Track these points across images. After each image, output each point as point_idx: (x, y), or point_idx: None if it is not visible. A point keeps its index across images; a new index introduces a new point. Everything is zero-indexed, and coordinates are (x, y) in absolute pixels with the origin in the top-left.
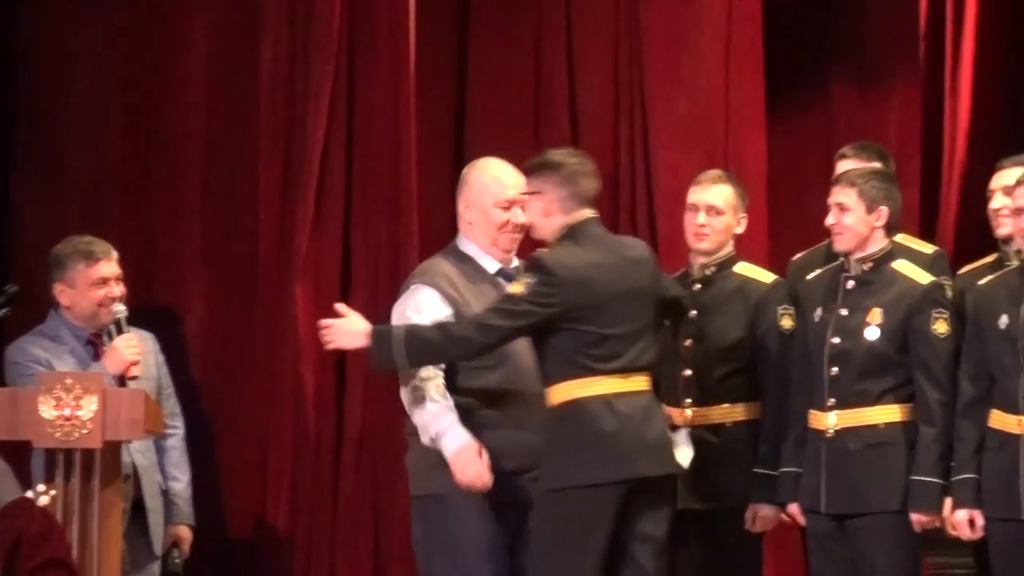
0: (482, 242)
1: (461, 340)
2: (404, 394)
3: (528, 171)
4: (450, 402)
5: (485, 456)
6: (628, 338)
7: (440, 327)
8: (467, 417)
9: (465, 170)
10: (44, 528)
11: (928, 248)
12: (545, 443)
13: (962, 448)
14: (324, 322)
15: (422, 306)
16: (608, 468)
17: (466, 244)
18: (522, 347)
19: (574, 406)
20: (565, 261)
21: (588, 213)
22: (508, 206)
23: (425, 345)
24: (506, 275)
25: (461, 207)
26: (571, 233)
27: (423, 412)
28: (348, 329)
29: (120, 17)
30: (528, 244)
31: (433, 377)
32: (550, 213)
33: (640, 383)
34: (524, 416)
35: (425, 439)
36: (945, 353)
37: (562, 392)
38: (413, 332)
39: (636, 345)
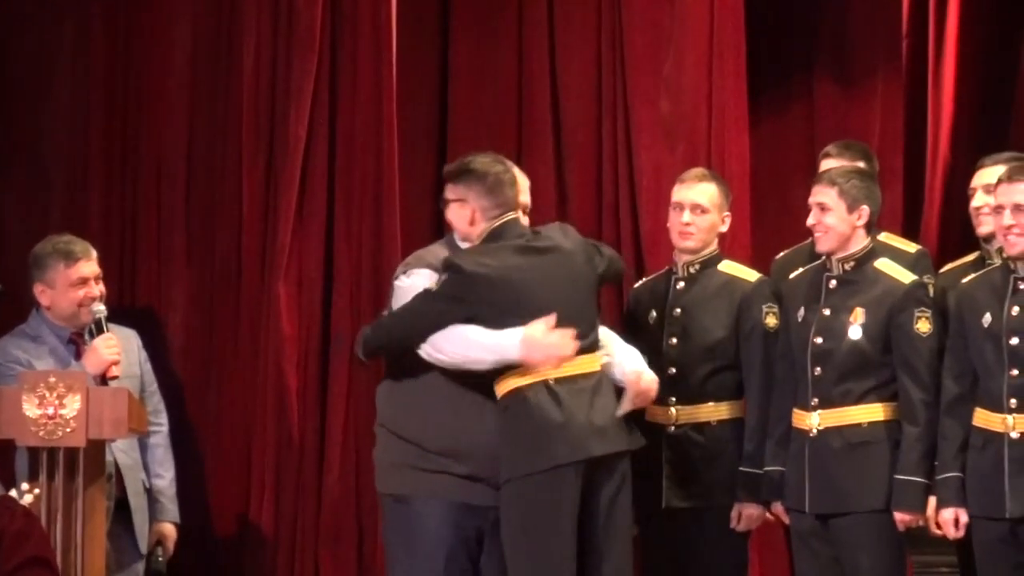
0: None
1: (382, 334)
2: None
3: (451, 176)
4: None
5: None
6: (560, 324)
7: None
8: (430, 417)
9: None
10: (25, 527)
11: (912, 247)
12: (499, 435)
13: (946, 447)
14: None
15: (419, 285)
16: (559, 451)
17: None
18: None
19: (517, 396)
20: (476, 259)
21: (508, 215)
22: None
23: (366, 338)
24: None
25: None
26: (492, 236)
27: (469, 344)
28: None
29: (100, 15)
30: None
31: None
32: (475, 222)
33: (581, 365)
34: (487, 420)
35: (491, 358)
36: (928, 352)
37: (504, 384)
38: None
39: (577, 327)
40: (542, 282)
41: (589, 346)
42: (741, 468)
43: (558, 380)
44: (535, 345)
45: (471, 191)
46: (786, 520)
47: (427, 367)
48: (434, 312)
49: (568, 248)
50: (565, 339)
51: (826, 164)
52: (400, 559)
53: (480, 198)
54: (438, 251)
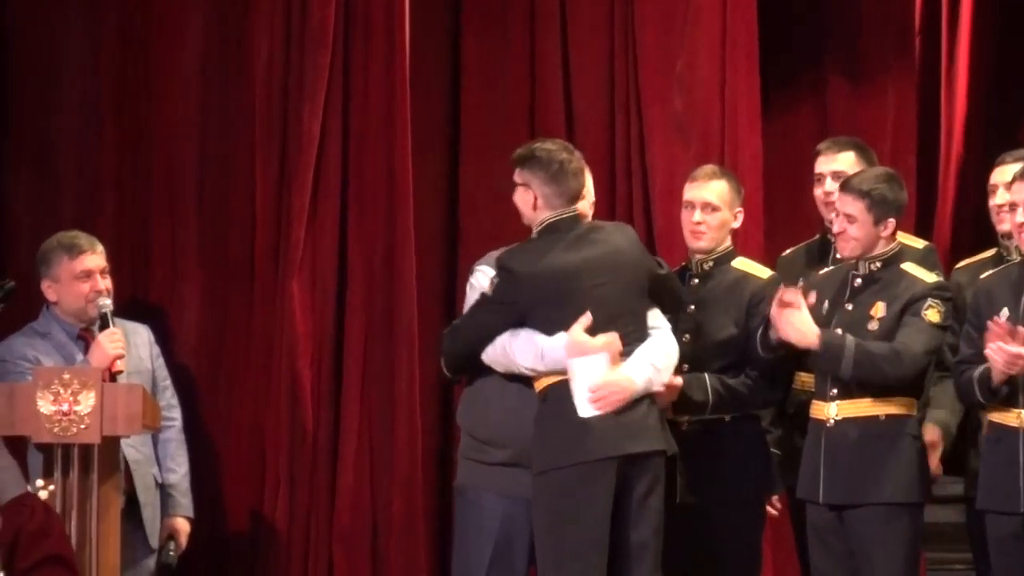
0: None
1: (450, 347)
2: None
3: (517, 161)
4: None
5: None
6: (604, 325)
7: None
8: (487, 409)
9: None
10: (44, 524)
11: (919, 243)
12: (534, 427)
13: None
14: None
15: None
16: (594, 447)
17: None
18: None
19: (556, 389)
20: (526, 259)
21: (568, 211)
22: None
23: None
24: None
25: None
26: (547, 229)
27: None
28: None
29: (111, 12)
30: None
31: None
32: (538, 208)
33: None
34: (531, 402)
35: (541, 365)
36: (930, 332)
37: (544, 378)
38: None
39: (612, 330)
40: (590, 280)
41: (628, 345)
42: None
43: None
44: (580, 348)
45: (535, 177)
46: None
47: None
48: (489, 320)
49: (621, 246)
50: (611, 340)
51: (818, 163)
52: (456, 548)
53: (543, 185)
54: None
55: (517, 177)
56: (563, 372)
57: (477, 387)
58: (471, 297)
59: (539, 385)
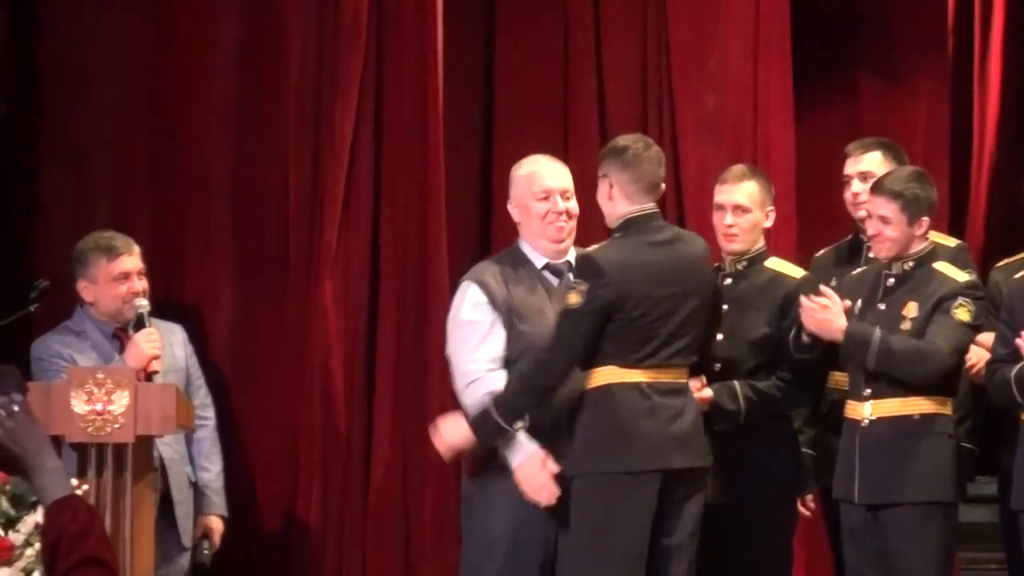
0: (531, 237)
1: (542, 370)
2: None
3: (600, 157)
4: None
5: (551, 465)
6: (673, 334)
7: (517, 374)
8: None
9: (511, 171)
10: (84, 526)
11: (951, 241)
12: (577, 427)
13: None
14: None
15: (465, 300)
16: (643, 456)
17: (521, 242)
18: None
19: (606, 392)
20: (614, 259)
21: (649, 207)
22: (546, 196)
23: (513, 402)
24: (553, 269)
25: (510, 208)
26: (627, 225)
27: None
28: (450, 426)
29: (145, 12)
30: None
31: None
32: (612, 197)
33: (674, 376)
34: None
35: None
36: (959, 330)
37: (597, 377)
38: (499, 401)
39: (679, 341)
40: (671, 287)
41: (686, 362)
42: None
43: (651, 384)
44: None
45: (611, 166)
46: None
47: None
48: (584, 330)
49: (700, 257)
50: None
51: (848, 165)
52: (465, 552)
53: (619, 172)
54: (493, 264)
55: (599, 171)
56: (613, 375)
57: None
58: (459, 311)
59: (589, 383)
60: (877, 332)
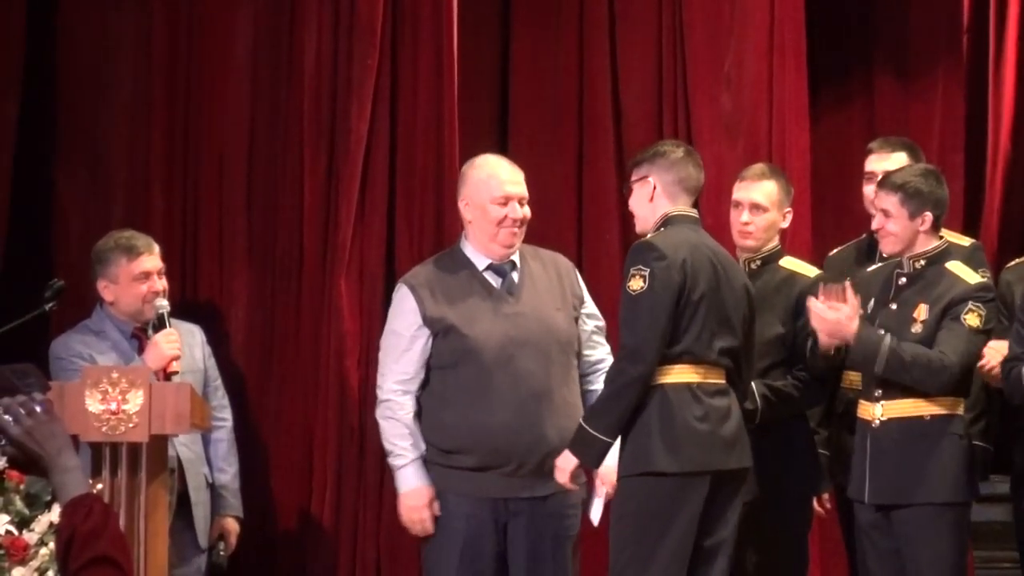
0: (480, 239)
1: (626, 380)
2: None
3: (635, 163)
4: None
5: (435, 506)
6: (717, 332)
7: (606, 387)
8: (440, 418)
9: (463, 168)
10: (98, 525)
11: (966, 241)
12: (630, 427)
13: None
14: None
15: (396, 306)
16: (696, 458)
17: (464, 243)
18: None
19: (660, 393)
20: (672, 243)
21: (691, 211)
22: (505, 202)
23: (606, 409)
24: (496, 269)
25: (460, 205)
26: (671, 220)
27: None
28: (561, 460)
29: (160, 13)
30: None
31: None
32: (654, 198)
33: (718, 376)
34: (491, 409)
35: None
36: (968, 338)
37: (660, 377)
38: (592, 415)
39: (723, 339)
40: (718, 286)
41: (728, 364)
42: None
43: (700, 385)
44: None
45: (655, 166)
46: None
47: (434, 374)
48: (659, 310)
49: (730, 257)
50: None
51: (870, 161)
52: (425, 551)
53: (664, 172)
54: (431, 265)
55: (635, 175)
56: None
57: (431, 395)
58: (391, 315)
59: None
60: (887, 340)
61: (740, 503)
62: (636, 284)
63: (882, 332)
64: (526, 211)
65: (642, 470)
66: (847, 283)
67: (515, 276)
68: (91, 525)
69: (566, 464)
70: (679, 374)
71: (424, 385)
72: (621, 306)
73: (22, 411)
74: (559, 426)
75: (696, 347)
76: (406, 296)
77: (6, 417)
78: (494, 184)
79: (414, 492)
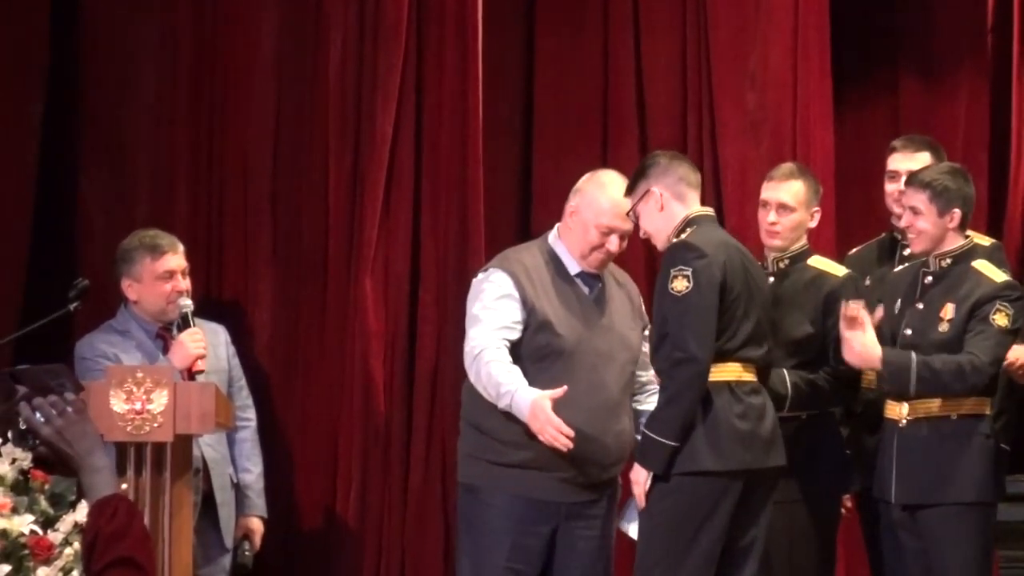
0: (572, 248)
1: (684, 382)
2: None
3: (628, 188)
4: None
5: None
6: (752, 330)
7: (665, 391)
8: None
9: (586, 176)
10: (122, 526)
11: (986, 240)
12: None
13: None
14: None
15: (492, 289)
16: (736, 456)
17: (556, 242)
18: (584, 348)
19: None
20: (707, 240)
21: (707, 210)
22: (608, 232)
23: (668, 415)
24: (586, 278)
25: (568, 208)
26: (693, 221)
27: (491, 377)
28: (633, 474)
29: (185, 12)
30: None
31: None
32: (664, 206)
33: (753, 374)
34: (567, 411)
35: (501, 404)
36: (998, 338)
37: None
38: (653, 421)
39: (756, 337)
40: (748, 284)
41: (763, 362)
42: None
43: (738, 383)
44: (542, 417)
45: (651, 175)
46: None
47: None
48: (707, 307)
49: (755, 260)
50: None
51: (893, 160)
52: (466, 549)
53: (662, 176)
54: (525, 256)
55: (635, 197)
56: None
57: None
58: (479, 296)
59: None
60: (914, 358)
61: (771, 503)
62: (680, 285)
63: (907, 352)
64: (623, 244)
65: (687, 469)
66: (860, 303)
67: (599, 290)
68: (115, 526)
69: (639, 476)
70: (718, 372)
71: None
72: (663, 308)
73: (53, 411)
74: (620, 440)
75: (734, 345)
76: (504, 281)
77: (37, 417)
78: (604, 211)
79: (535, 405)
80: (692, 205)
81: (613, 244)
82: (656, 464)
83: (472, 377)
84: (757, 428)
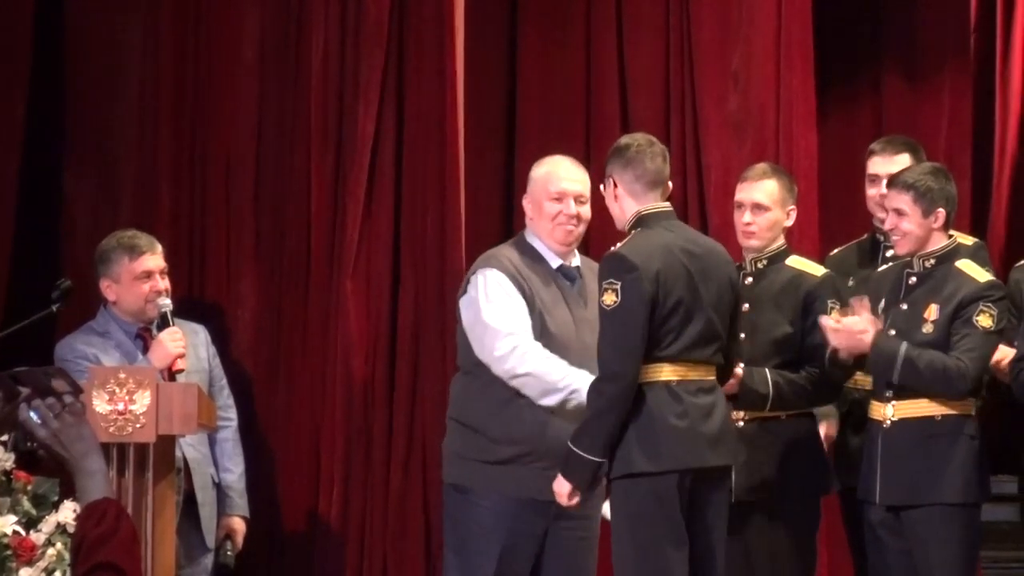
0: (543, 235)
1: (606, 400)
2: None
3: (605, 160)
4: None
5: None
6: (701, 330)
7: (588, 408)
8: (497, 409)
9: (532, 168)
10: (108, 530)
11: (969, 240)
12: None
13: None
14: None
15: (495, 289)
16: (674, 456)
17: (531, 237)
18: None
19: (638, 393)
20: (640, 250)
21: (662, 205)
22: (560, 197)
23: (592, 429)
24: (566, 272)
25: (524, 203)
26: (642, 221)
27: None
28: (556, 485)
29: (169, 13)
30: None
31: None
32: (618, 197)
33: (702, 374)
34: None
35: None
36: (983, 340)
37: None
38: (577, 436)
39: (705, 336)
40: (695, 280)
41: (715, 354)
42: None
43: (680, 383)
44: None
45: (614, 165)
46: None
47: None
48: (634, 324)
49: (722, 256)
50: None
51: (873, 163)
52: (455, 549)
53: (621, 171)
54: (508, 253)
55: (605, 175)
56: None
57: (477, 381)
58: (481, 298)
59: None
60: (903, 348)
61: (725, 502)
62: (609, 299)
63: (898, 340)
64: (584, 209)
65: (624, 472)
66: (863, 299)
67: (579, 283)
68: (101, 531)
69: (560, 488)
70: (656, 373)
71: (485, 368)
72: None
73: (51, 413)
74: None
75: (676, 349)
76: (502, 279)
77: (34, 418)
78: (552, 180)
79: None
80: (646, 202)
81: (571, 207)
82: (580, 480)
83: (509, 375)
84: (699, 427)
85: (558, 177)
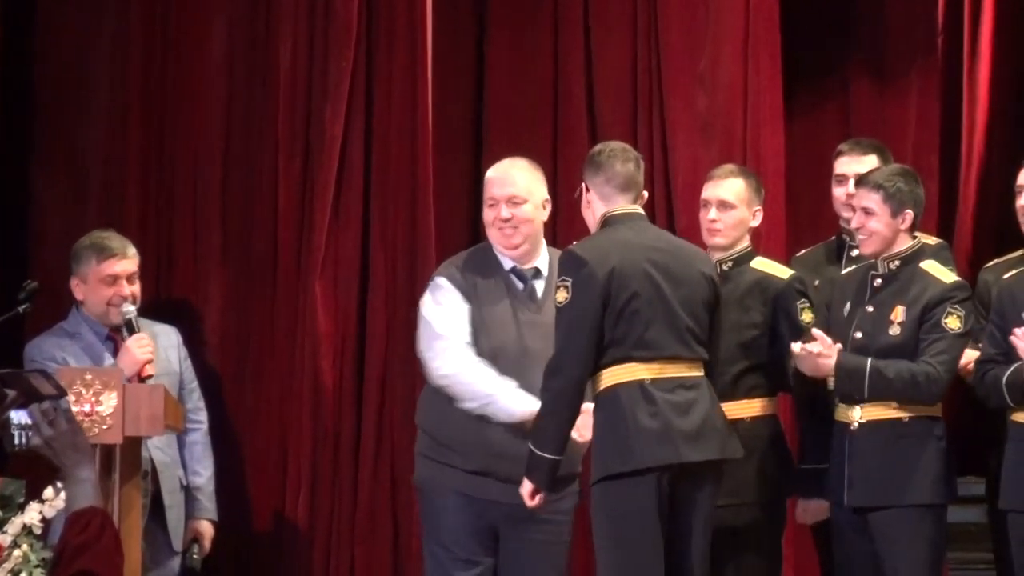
0: (492, 239)
1: (557, 380)
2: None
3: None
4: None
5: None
6: (671, 323)
7: (540, 406)
8: (446, 411)
9: None
10: (88, 539)
11: (932, 240)
12: (593, 435)
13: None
14: None
15: (440, 295)
16: (647, 454)
17: (491, 240)
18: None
19: (611, 395)
20: (592, 246)
21: (630, 207)
22: (492, 203)
23: (545, 427)
24: (518, 273)
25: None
26: (608, 222)
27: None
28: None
29: (137, 15)
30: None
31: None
32: (590, 202)
33: (682, 370)
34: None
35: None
36: (951, 343)
37: (600, 381)
38: (533, 436)
39: (680, 330)
40: (660, 279)
41: (694, 349)
42: (803, 465)
43: (654, 381)
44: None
45: (586, 172)
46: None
47: None
48: (582, 322)
49: (690, 253)
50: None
51: (840, 163)
52: (425, 545)
53: (593, 176)
54: (464, 257)
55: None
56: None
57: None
58: (429, 305)
59: (595, 389)
60: (869, 364)
61: (711, 496)
62: (561, 296)
63: (862, 356)
64: (519, 211)
65: (600, 476)
66: (815, 285)
67: (539, 284)
68: (83, 539)
69: (523, 488)
70: (628, 372)
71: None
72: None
73: (45, 420)
74: None
75: (641, 346)
76: (443, 282)
77: (27, 422)
78: (485, 187)
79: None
80: (616, 205)
81: (503, 212)
82: (542, 480)
83: (434, 376)
84: (676, 423)
85: (489, 183)
